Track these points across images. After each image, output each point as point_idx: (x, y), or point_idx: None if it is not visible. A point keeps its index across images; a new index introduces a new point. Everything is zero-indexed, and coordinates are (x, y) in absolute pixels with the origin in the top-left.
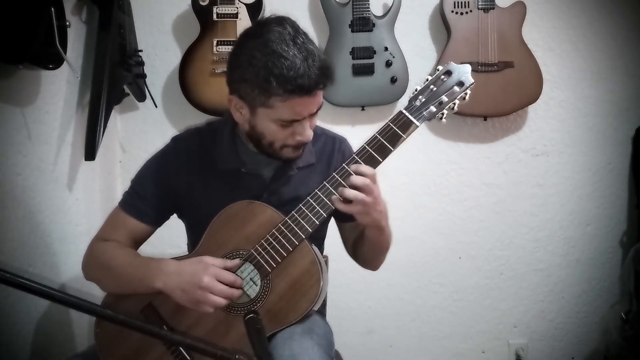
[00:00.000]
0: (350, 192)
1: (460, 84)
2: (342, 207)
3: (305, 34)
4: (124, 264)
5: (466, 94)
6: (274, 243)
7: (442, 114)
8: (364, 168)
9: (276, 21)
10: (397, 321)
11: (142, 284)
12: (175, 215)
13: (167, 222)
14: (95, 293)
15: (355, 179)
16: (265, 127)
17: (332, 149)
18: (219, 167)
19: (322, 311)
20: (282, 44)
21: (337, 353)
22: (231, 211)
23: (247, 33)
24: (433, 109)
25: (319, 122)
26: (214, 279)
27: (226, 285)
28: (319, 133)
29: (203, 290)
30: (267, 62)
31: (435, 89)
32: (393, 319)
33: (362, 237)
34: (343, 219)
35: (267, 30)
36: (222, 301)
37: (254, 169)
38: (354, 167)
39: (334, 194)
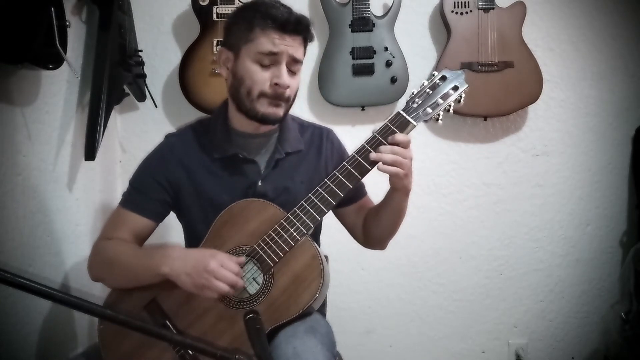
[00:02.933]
0: (389, 156)
1: (455, 88)
2: (382, 167)
3: None
4: (129, 256)
5: (461, 97)
6: (277, 238)
7: (438, 115)
8: (400, 136)
9: None
10: (397, 321)
11: (149, 272)
12: (174, 215)
13: (167, 222)
14: (95, 293)
15: (392, 147)
16: (245, 70)
17: (321, 138)
18: (215, 156)
19: (322, 310)
20: (269, 2)
21: (337, 353)
22: (234, 209)
23: (240, 6)
24: (429, 110)
25: (317, 121)
26: (219, 264)
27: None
28: (306, 125)
29: (209, 274)
30: (255, 6)
31: (431, 92)
32: (393, 319)
33: (378, 213)
34: (344, 203)
35: None
36: (225, 287)
37: (249, 156)
38: (391, 138)
39: (337, 191)
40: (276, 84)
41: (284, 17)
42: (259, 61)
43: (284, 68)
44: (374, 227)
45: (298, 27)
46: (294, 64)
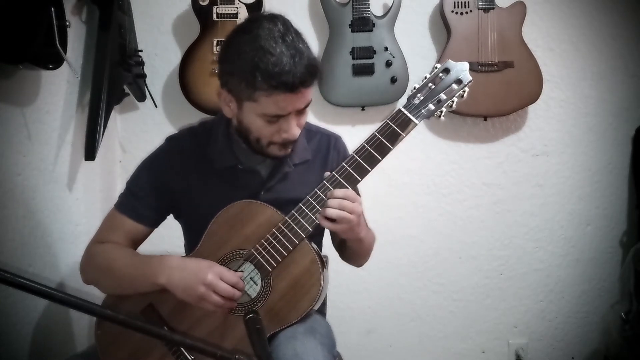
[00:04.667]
0: (333, 212)
1: (459, 81)
2: (327, 225)
3: (296, 32)
4: (125, 264)
5: (465, 91)
6: (274, 242)
7: (441, 111)
8: (339, 192)
9: (268, 18)
10: (397, 321)
11: (145, 281)
12: (172, 215)
13: (166, 222)
14: (95, 293)
15: (339, 201)
16: (251, 122)
17: (328, 147)
18: (216, 166)
19: (322, 310)
20: (270, 40)
21: (337, 353)
22: (231, 211)
23: (238, 28)
24: (432, 106)
25: (317, 121)
26: (217, 277)
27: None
28: (314, 131)
29: (206, 287)
30: (254, 57)
31: (433, 86)
32: (393, 319)
33: (344, 243)
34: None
35: (258, 26)
36: (222, 301)
37: (251, 166)
38: (329, 193)
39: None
40: (284, 138)
41: (289, 82)
42: (265, 119)
43: (293, 121)
44: (344, 253)
45: (307, 82)
46: (303, 109)
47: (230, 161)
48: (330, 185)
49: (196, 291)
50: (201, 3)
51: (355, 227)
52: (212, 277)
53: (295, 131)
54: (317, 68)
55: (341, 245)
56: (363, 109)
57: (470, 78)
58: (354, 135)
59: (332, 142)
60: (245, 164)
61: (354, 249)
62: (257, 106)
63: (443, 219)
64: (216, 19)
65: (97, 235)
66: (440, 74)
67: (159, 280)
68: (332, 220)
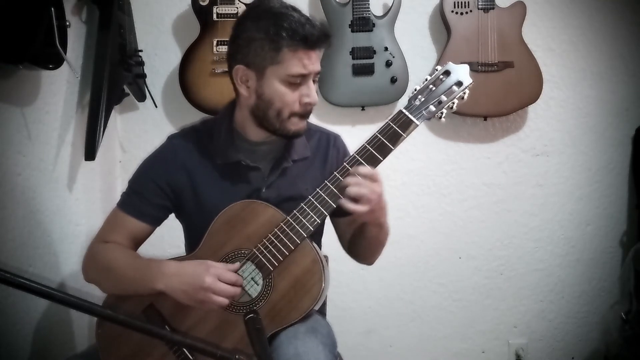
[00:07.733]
0: (353, 190)
1: (459, 83)
2: (350, 206)
3: None
4: (125, 266)
5: (465, 93)
6: (276, 242)
7: (442, 113)
8: (364, 169)
9: None
10: (397, 321)
11: (143, 286)
12: (173, 215)
13: (167, 222)
14: (95, 293)
15: (358, 179)
16: (273, 91)
17: (327, 145)
18: (217, 162)
19: (322, 310)
20: (284, 9)
21: (338, 353)
22: (232, 211)
23: (250, 7)
24: (432, 108)
25: (317, 121)
26: (216, 279)
27: (228, 284)
28: (314, 129)
29: (205, 290)
30: (276, 20)
31: (434, 88)
32: (393, 319)
33: (360, 234)
34: (339, 214)
35: (269, 1)
36: (224, 301)
37: (252, 163)
38: (354, 169)
39: (337, 193)
40: (307, 103)
41: (313, 36)
42: (289, 82)
43: (312, 86)
44: (356, 247)
45: (324, 42)
46: (316, 75)
47: (232, 157)
48: (332, 185)
49: (196, 296)
50: (201, 3)
51: (376, 208)
52: (211, 280)
53: (315, 95)
54: (328, 30)
55: (352, 242)
56: (363, 109)
57: (471, 80)
58: (354, 135)
59: (331, 141)
60: (247, 160)
61: (372, 237)
62: (280, 68)
63: (443, 219)
64: (216, 19)
65: (99, 235)
66: (441, 76)
67: (157, 287)
68: (353, 200)
